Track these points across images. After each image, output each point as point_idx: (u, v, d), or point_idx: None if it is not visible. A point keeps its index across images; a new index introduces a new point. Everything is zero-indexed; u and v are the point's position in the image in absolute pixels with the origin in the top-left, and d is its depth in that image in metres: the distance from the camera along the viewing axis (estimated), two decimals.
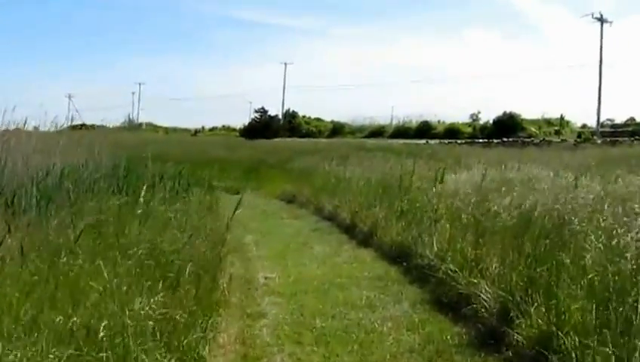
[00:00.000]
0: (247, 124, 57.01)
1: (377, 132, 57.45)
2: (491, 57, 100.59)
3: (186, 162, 23.52)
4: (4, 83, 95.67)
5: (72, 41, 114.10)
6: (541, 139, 40.50)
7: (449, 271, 6.55)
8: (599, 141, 36.62)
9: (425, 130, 54.44)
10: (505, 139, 39.53)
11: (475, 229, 7.00)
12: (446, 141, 41.52)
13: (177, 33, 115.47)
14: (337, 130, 60.97)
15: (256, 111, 57.38)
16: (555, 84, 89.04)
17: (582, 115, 57.47)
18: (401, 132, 54.52)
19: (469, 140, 43.23)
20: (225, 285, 6.96)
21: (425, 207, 9.01)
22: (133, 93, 78.21)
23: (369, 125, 61.95)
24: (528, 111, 54.29)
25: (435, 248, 7.41)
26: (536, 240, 5.85)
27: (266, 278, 7.84)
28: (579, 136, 43.80)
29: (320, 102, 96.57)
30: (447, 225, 7.78)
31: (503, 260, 5.98)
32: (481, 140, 41.54)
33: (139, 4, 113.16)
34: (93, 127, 71.99)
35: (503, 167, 11.42)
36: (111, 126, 76.71)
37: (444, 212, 8.36)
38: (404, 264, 7.97)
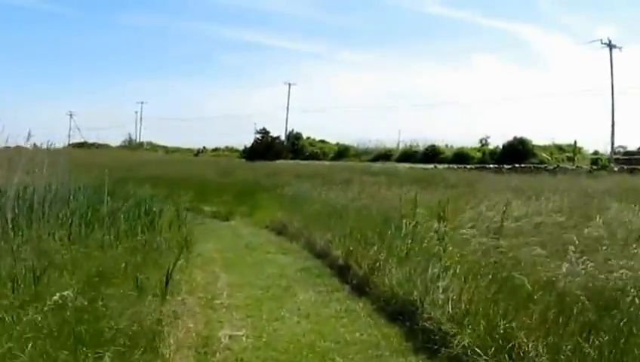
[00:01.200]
0: (248, 145, 55.34)
1: (384, 155, 55.85)
2: (498, 84, 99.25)
3: (176, 184, 22.03)
4: (8, 101, 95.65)
5: (77, 61, 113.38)
6: (555, 165, 38.74)
7: (467, 346, 4.85)
8: (616, 168, 34.81)
9: (433, 154, 52.84)
10: (517, 165, 37.79)
11: (503, 288, 5.28)
12: (455, 166, 39.79)
13: (182, 55, 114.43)
14: (342, 152, 59.44)
15: (257, 132, 55.73)
16: (564, 110, 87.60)
17: (591, 142, 55.54)
18: (408, 155, 52.93)
19: (478, 165, 41.48)
20: (170, 353, 5.29)
21: (433, 249, 7.32)
22: (136, 113, 77.17)
23: (375, 148, 60.42)
24: (537, 136, 52.36)
25: (449, 308, 5.69)
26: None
27: (230, 338, 6.13)
28: (594, 162, 41.99)
29: (325, 124, 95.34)
30: (463, 278, 6.08)
31: (552, 348, 4.23)
32: (491, 166, 39.83)
33: (143, 26, 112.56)
34: (94, 145, 70.69)
35: (529, 197, 9.75)
36: (114, 145, 75.68)
37: (458, 258, 6.66)
38: (407, 324, 6.24)
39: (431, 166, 39.01)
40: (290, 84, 66.65)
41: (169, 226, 11.06)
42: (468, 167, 39.84)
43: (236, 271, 9.18)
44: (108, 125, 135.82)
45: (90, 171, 21.70)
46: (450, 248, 7.18)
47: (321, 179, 21.69)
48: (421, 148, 55.79)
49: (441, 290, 6.16)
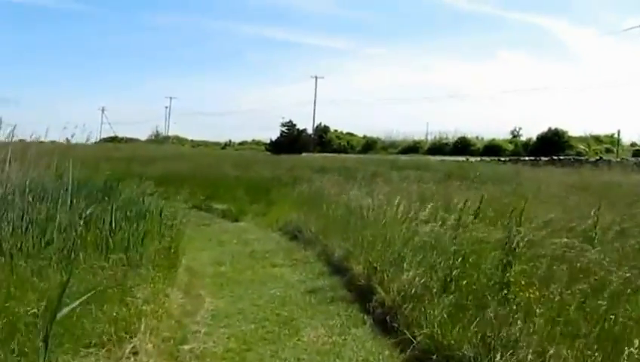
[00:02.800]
0: (274, 138, 53.12)
1: (412, 148, 53.46)
2: (525, 76, 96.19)
3: (188, 180, 20.01)
4: (42, 97, 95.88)
5: (111, 59, 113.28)
6: (597, 158, 35.80)
7: None
8: None
9: (463, 146, 50.22)
10: (554, 158, 35.01)
11: None
12: (488, 158, 37.16)
13: (211, 52, 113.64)
14: (370, 145, 57.14)
15: (283, 125, 53.42)
16: (597, 102, 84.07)
17: (626, 133, 52.36)
18: (438, 148, 50.38)
19: (512, 158, 38.75)
20: None
21: (493, 277, 5.08)
22: (166, 108, 75.70)
23: (402, 141, 58.02)
24: (570, 128, 49.22)
25: None
26: None
27: None
28: (636, 154, 38.91)
29: (353, 117, 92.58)
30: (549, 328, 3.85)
31: None
32: (526, 158, 37.10)
33: (175, 26, 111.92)
34: (124, 139, 69.75)
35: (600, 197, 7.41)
36: (143, 139, 74.95)
37: (536, 293, 4.42)
38: None
39: (462, 158, 36.45)
40: (317, 77, 64.44)
41: (158, 233, 9.03)
42: (502, 159, 37.21)
43: (228, 294, 7.04)
44: (138, 120, 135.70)
45: (96, 167, 19.91)
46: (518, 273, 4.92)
47: (346, 174, 19.52)
48: (451, 140, 53.16)
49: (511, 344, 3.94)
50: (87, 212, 7.80)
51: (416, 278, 5.88)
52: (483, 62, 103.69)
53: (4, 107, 76.45)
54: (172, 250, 8.40)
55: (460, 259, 5.79)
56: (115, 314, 4.99)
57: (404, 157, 36.58)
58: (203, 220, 13.60)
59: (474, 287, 5.17)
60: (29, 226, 7.09)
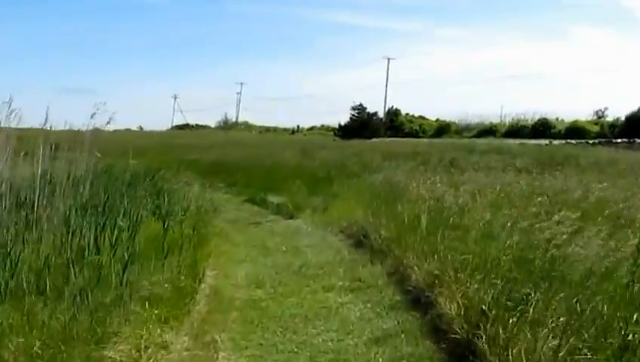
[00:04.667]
0: (343, 123, 50.43)
1: (487, 131, 49.59)
2: (606, 54, 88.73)
3: (247, 168, 17.89)
4: (117, 86, 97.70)
5: (184, 48, 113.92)
6: None
7: None
8: None
9: (543, 128, 46.00)
10: None
11: None
12: (573, 141, 33.26)
13: (282, 38, 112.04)
14: (443, 129, 53.58)
15: (353, 109, 50.57)
16: None
17: None
18: (515, 131, 46.32)
19: (602, 140, 34.61)
20: None
21: None
22: (237, 94, 74.30)
23: (477, 124, 54.17)
24: None
25: None
26: None
27: None
28: None
29: (424, 100, 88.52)
30: None
31: None
32: (619, 140, 32.97)
33: (246, 13, 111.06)
34: (194, 126, 69.58)
35: None
36: (213, 126, 74.54)
37: None
38: None
39: (544, 141, 32.74)
40: (389, 59, 61.05)
41: (182, 239, 6.83)
42: (589, 141, 33.24)
43: (256, 342, 4.68)
44: (211, 107, 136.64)
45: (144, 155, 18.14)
46: None
47: (418, 160, 16.85)
48: (529, 122, 48.95)
49: None
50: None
51: (554, 337, 3.30)
52: (557, 40, 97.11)
53: (83, 96, 78.06)
54: (195, 264, 6.23)
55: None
56: None
57: (480, 141, 33.15)
58: (254, 217, 11.36)
59: None
60: None
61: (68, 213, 5.56)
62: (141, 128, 66.55)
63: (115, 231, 5.42)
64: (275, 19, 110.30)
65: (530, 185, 8.61)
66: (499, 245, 5.17)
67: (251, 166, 17.80)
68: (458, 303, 4.71)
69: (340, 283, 6.34)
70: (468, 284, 4.84)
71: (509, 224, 5.66)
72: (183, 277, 5.76)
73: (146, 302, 4.83)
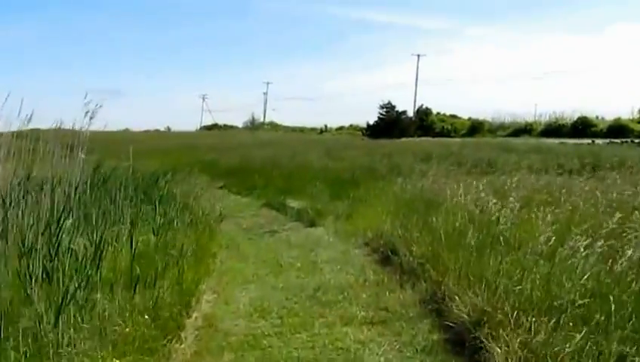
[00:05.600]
0: (372, 122, 48.95)
1: (522, 130, 47.79)
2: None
3: (268, 170, 16.81)
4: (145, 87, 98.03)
5: (212, 47, 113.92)
6: None
7: None
8: None
9: (583, 127, 43.98)
10: None
11: None
12: (618, 140, 31.38)
13: (311, 37, 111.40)
14: (476, 128, 51.79)
15: (381, 107, 49.04)
16: None
17: None
18: (553, 129, 44.37)
19: None
20: None
21: None
22: (264, 94, 73.51)
23: (512, 122, 52.32)
24: None
25: None
26: None
27: None
28: None
29: (455, 99, 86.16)
30: None
31: None
32: None
33: (274, 12, 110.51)
34: (222, 126, 69.09)
35: None
36: (241, 126, 74.06)
37: None
38: None
39: (585, 141, 30.98)
40: (419, 55, 59.51)
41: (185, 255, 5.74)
42: (636, 141, 31.35)
43: None
44: (239, 107, 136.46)
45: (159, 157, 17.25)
46: None
47: (452, 161, 15.56)
48: (568, 121, 46.92)
49: None
50: None
51: None
52: (591, 37, 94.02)
53: (112, 98, 78.26)
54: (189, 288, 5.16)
55: None
56: None
57: (516, 141, 31.54)
58: (270, 224, 10.22)
59: None
60: None
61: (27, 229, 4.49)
62: (169, 129, 66.22)
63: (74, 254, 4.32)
64: (303, 17, 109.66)
65: (592, 191, 7.25)
66: (571, 275, 3.92)
67: (273, 167, 16.69)
68: (518, 355, 3.50)
69: (362, 314, 5.14)
70: (530, 330, 3.61)
71: (580, 244, 4.38)
72: (168, 306, 4.68)
73: (109, 347, 3.74)
